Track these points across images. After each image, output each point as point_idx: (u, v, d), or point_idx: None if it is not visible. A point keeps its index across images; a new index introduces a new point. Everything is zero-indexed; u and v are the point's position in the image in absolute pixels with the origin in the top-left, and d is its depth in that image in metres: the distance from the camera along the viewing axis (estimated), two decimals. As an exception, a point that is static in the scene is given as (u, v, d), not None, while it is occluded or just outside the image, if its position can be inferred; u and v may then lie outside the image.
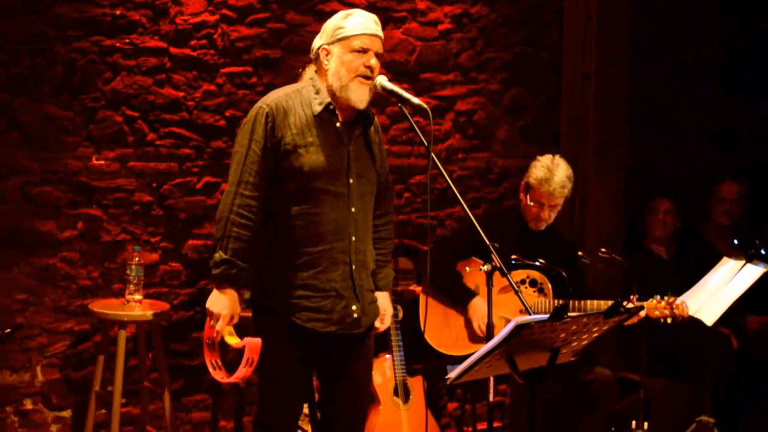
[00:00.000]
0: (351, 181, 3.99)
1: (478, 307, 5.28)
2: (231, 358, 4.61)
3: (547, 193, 5.30)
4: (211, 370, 4.02)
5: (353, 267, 4.00)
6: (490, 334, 4.04)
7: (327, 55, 3.97)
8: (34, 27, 5.33)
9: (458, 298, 5.36)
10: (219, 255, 3.90)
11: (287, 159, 3.91)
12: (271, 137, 3.92)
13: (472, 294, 5.32)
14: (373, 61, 3.94)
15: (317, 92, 3.99)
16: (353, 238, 3.99)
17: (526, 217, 5.43)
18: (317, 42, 4.02)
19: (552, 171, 5.31)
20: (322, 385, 4.21)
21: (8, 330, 3.51)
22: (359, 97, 3.94)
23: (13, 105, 5.33)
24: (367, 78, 3.93)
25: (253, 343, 3.89)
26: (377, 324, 4.23)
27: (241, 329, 4.06)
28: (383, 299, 4.26)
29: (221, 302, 3.92)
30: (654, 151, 6.98)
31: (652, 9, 6.94)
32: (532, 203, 5.36)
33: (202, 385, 5.82)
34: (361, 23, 3.95)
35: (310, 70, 4.17)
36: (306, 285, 3.95)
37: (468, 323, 5.37)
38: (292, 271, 3.96)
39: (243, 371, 3.89)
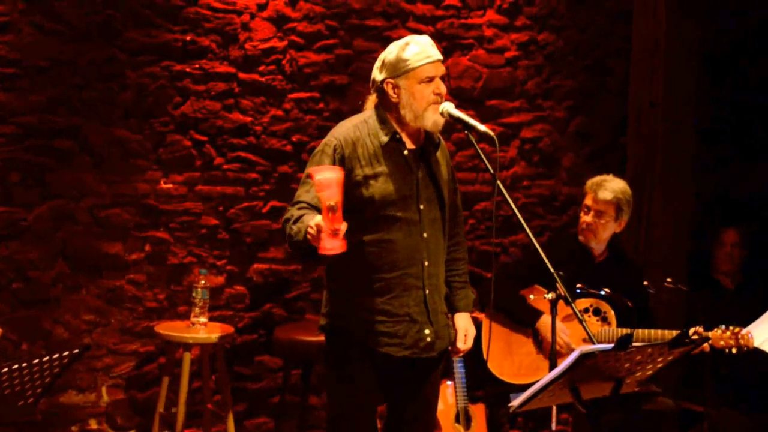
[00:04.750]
0: (422, 207, 4.01)
1: (548, 324, 5.20)
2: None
3: (594, 196, 5.26)
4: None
5: (426, 292, 4.01)
6: (553, 362, 4.02)
7: (394, 88, 3.98)
8: (106, 52, 5.42)
9: (524, 319, 5.30)
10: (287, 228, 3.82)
11: (358, 189, 3.94)
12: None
13: (538, 312, 5.26)
14: (443, 88, 3.99)
15: (383, 122, 4.01)
16: (426, 263, 4.01)
17: (578, 232, 5.38)
18: (378, 76, 4.02)
19: (606, 179, 5.29)
20: (389, 408, 4.19)
21: (77, 350, 3.55)
22: (434, 120, 3.98)
23: (85, 129, 5.42)
24: (437, 103, 3.98)
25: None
26: (459, 345, 4.22)
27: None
28: (464, 320, 4.25)
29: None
30: (722, 179, 6.89)
31: (721, 33, 6.87)
32: (582, 212, 5.34)
33: (265, 408, 5.85)
34: (422, 52, 3.96)
35: (371, 100, 4.16)
36: (381, 310, 3.96)
37: (531, 351, 5.33)
38: (367, 296, 3.97)
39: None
